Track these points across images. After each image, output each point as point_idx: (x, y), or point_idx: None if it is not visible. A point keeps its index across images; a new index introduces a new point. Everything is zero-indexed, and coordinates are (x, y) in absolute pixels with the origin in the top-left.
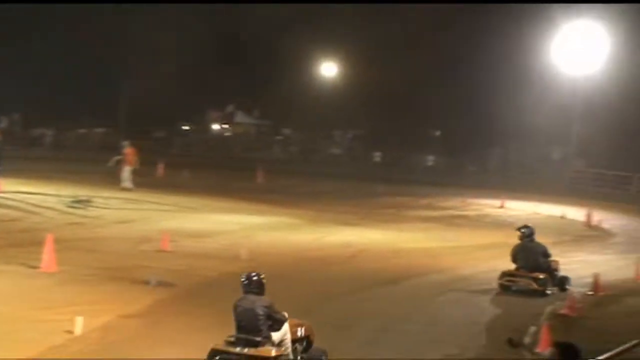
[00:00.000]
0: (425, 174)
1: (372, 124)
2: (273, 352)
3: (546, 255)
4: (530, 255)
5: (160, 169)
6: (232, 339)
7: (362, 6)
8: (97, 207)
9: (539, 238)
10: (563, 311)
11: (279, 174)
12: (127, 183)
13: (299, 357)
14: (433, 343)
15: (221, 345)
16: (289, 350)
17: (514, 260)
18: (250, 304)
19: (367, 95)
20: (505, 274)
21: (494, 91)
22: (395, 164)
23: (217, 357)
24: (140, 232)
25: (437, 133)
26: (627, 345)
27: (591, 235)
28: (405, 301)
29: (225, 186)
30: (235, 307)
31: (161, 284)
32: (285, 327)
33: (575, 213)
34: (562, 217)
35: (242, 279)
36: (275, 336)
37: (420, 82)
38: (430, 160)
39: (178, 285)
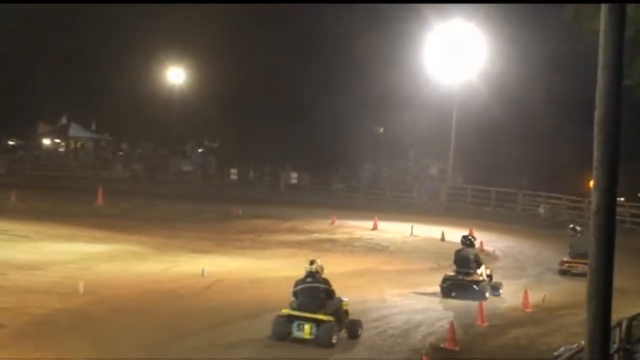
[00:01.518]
0: (289, 193)
1: (227, 136)
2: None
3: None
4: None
5: None
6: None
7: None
8: None
9: (415, 262)
10: (444, 344)
11: (122, 195)
12: None
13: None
14: None
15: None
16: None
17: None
18: (466, 253)
19: (219, 103)
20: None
21: (359, 102)
22: (254, 181)
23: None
24: None
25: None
26: None
27: None
28: (268, 337)
29: (60, 210)
30: (456, 253)
31: None
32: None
33: (455, 235)
34: (441, 240)
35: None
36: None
37: (279, 88)
38: (294, 177)
39: (7, 326)
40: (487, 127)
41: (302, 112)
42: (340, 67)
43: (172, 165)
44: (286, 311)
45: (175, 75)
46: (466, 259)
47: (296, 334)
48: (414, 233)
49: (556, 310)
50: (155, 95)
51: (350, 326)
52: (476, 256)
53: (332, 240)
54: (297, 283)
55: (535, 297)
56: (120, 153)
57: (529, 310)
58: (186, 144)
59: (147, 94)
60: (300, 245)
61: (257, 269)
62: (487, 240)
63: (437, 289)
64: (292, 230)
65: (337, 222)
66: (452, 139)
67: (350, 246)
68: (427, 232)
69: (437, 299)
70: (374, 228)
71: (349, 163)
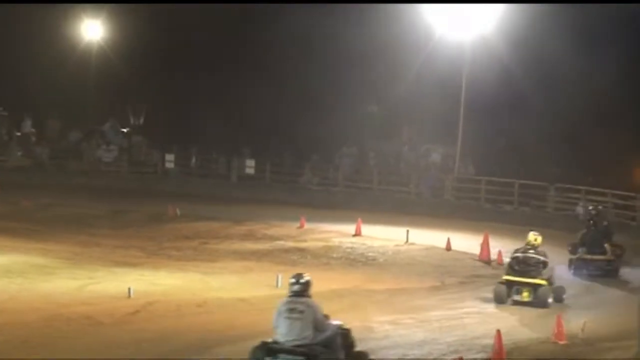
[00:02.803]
0: (243, 187)
1: (160, 110)
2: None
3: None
4: None
5: None
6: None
7: None
8: None
9: (412, 279)
10: None
11: (21, 189)
12: None
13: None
14: None
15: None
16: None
17: None
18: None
19: (149, 64)
20: None
21: (342, 64)
22: (196, 171)
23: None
24: None
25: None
26: None
27: (488, 274)
28: None
29: None
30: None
31: None
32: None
33: (464, 242)
34: (446, 249)
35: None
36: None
37: (231, 44)
38: (250, 166)
39: None
40: (507, 102)
41: (262, 78)
42: (320, 15)
43: (88, 150)
44: None
45: (92, 30)
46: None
47: None
48: (410, 240)
49: (600, 342)
50: (67, 58)
51: None
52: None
53: (301, 250)
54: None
55: (572, 324)
56: (19, 134)
57: (563, 342)
58: (105, 123)
59: (54, 56)
60: (258, 256)
61: (201, 287)
62: (508, 249)
63: (442, 313)
64: (248, 237)
65: (308, 225)
66: (460, 115)
67: (325, 258)
68: (427, 238)
69: (441, 328)
70: (357, 233)
71: (323, 147)
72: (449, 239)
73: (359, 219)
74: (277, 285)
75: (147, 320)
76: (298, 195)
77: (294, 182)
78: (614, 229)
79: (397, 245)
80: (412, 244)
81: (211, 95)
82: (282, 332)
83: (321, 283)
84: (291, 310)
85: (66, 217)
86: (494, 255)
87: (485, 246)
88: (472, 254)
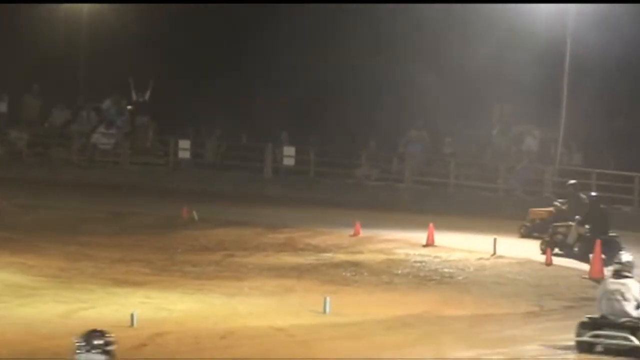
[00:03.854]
0: (281, 183)
1: (170, 83)
2: None
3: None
4: None
5: None
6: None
7: None
8: None
9: (501, 303)
10: None
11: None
12: None
13: None
14: None
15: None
16: None
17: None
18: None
19: (157, 25)
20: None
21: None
22: (219, 162)
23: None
24: None
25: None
26: None
27: None
28: None
29: None
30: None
31: None
32: None
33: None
34: (547, 264)
35: None
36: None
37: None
38: (289, 155)
39: None
40: (625, 73)
41: (307, 46)
42: None
43: (78, 135)
44: None
45: None
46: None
47: None
48: (498, 252)
49: None
50: (51, 15)
51: None
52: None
53: (355, 265)
54: None
55: None
56: None
57: None
58: (103, 100)
59: (35, 13)
60: (299, 272)
61: (226, 313)
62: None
63: (540, 347)
64: (286, 247)
65: (364, 232)
66: (563, 89)
67: (387, 275)
68: (521, 249)
69: None
70: (429, 243)
71: (386, 132)
72: (548, 250)
73: (431, 225)
74: (324, 311)
75: (156, 356)
76: (351, 194)
77: (346, 176)
78: None
79: (480, 259)
80: (501, 256)
81: (237, 62)
82: (606, 311)
83: (382, 308)
84: (613, 292)
85: (51, 221)
86: (609, 272)
87: (597, 260)
88: (579, 270)
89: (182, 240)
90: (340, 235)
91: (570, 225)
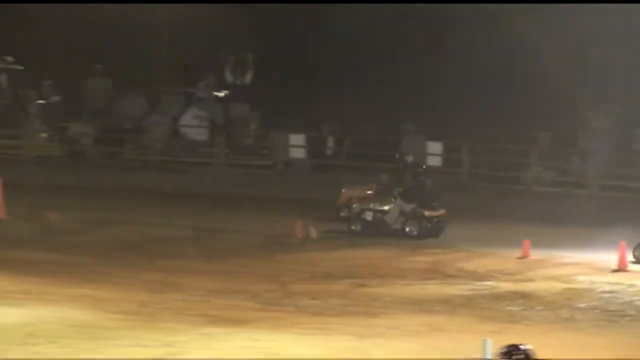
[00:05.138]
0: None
1: (278, 67)
2: None
3: None
4: None
5: None
6: None
7: None
8: None
9: None
10: None
11: (47, 194)
12: None
13: None
14: None
15: None
16: None
17: None
18: None
19: None
20: None
21: None
22: (340, 163)
23: None
24: None
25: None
26: None
27: None
28: None
29: None
30: None
31: None
32: None
33: None
34: None
35: None
36: None
37: None
38: (435, 151)
39: None
40: None
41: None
42: None
43: (157, 128)
44: None
45: None
46: None
47: None
48: None
49: None
50: None
51: None
52: None
53: (524, 296)
54: None
55: None
56: (42, 101)
57: None
58: (198, 82)
59: None
60: (451, 306)
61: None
62: None
63: None
64: (433, 273)
65: (535, 253)
66: None
67: (567, 309)
68: None
69: None
70: (620, 267)
71: (560, 120)
72: None
73: (623, 243)
74: (484, 358)
75: None
76: (518, 203)
77: (510, 180)
78: None
79: None
80: None
81: (362, 44)
82: None
83: (561, 352)
84: None
85: (124, 241)
86: None
87: None
88: None
89: (296, 265)
90: (503, 258)
91: (388, 201)
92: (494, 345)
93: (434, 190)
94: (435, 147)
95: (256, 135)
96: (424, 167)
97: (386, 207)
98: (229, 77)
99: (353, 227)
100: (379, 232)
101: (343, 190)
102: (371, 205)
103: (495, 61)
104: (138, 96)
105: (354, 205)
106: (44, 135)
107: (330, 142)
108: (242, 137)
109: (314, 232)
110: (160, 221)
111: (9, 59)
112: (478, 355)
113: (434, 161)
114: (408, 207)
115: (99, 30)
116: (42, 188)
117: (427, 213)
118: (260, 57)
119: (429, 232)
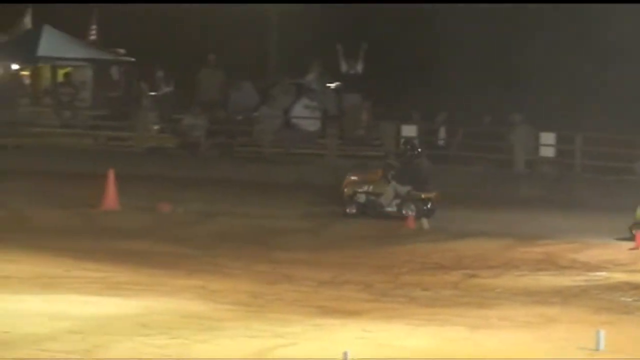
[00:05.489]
0: (534, 180)
1: (388, 55)
2: None
3: None
4: None
5: None
6: None
7: None
8: None
9: None
10: None
11: (157, 186)
12: None
13: None
14: None
15: None
16: None
17: None
18: None
19: None
20: None
21: None
22: (452, 154)
23: None
24: None
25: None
26: None
27: None
28: None
29: (21, 219)
30: None
31: None
32: None
33: None
34: None
35: None
36: None
37: None
38: (548, 144)
39: None
40: None
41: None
42: None
43: (270, 120)
44: None
45: None
46: None
47: None
48: None
49: None
50: None
51: None
52: None
53: (637, 287)
54: None
55: None
56: (153, 94)
57: None
58: (307, 73)
59: None
60: (563, 297)
61: (468, 351)
62: None
63: None
64: (545, 264)
65: None
66: None
67: None
68: None
69: None
70: None
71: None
72: None
73: None
74: (597, 348)
75: None
76: (628, 194)
77: (623, 171)
78: None
79: None
80: None
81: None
82: None
83: None
84: None
85: (236, 233)
86: None
87: None
88: None
89: (407, 256)
90: (617, 249)
91: (382, 183)
92: (605, 336)
93: (428, 172)
94: (548, 137)
95: (368, 126)
96: (419, 149)
97: (379, 190)
98: (342, 67)
99: (348, 210)
100: (374, 214)
101: (348, 177)
102: (365, 188)
103: (605, 49)
104: (250, 86)
105: (345, 189)
106: (156, 127)
107: (443, 133)
108: (353, 128)
109: (425, 223)
110: (272, 212)
111: (121, 51)
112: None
113: (547, 152)
114: (403, 189)
115: (210, 22)
116: (154, 180)
117: (423, 195)
118: (372, 47)
119: (426, 214)
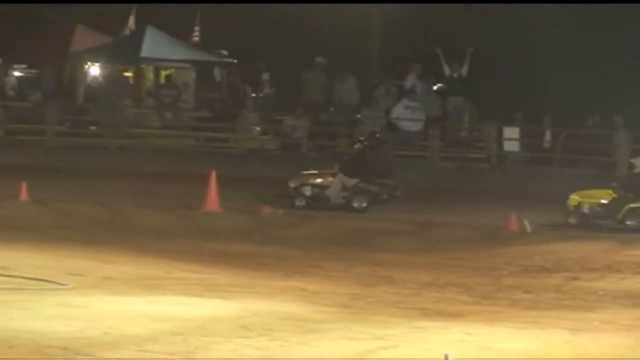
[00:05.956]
0: None
1: (496, 58)
2: None
3: None
4: None
5: None
6: None
7: None
8: None
9: None
10: None
11: (255, 187)
12: None
13: None
14: None
15: None
16: None
17: None
18: None
19: None
20: None
21: None
22: (555, 156)
23: None
24: None
25: None
26: None
27: None
28: None
29: (122, 220)
30: None
31: None
32: None
33: None
34: None
35: None
36: None
37: None
38: None
39: None
40: None
41: None
42: None
43: (371, 123)
44: None
45: None
46: None
47: None
48: None
49: None
50: None
51: None
52: None
53: None
54: None
55: None
56: (257, 95)
57: None
58: (408, 74)
59: None
60: None
61: (570, 355)
62: None
63: None
64: (611, 269)
65: None
66: None
67: None
68: None
69: None
70: None
71: None
72: None
73: None
74: None
75: None
76: None
77: None
78: None
79: None
80: None
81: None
82: None
83: None
84: None
85: (336, 234)
86: None
87: None
88: None
89: (509, 258)
90: None
91: (328, 176)
92: None
93: (384, 163)
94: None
95: (470, 128)
96: (368, 141)
97: (326, 182)
98: (445, 70)
99: (297, 203)
100: (322, 206)
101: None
102: (310, 181)
103: None
104: (354, 81)
105: (290, 183)
106: (258, 128)
107: (548, 135)
108: (456, 130)
109: (528, 226)
110: (372, 214)
111: (224, 52)
112: None
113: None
114: (350, 182)
115: (313, 24)
116: (255, 181)
117: (372, 188)
118: (476, 50)
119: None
